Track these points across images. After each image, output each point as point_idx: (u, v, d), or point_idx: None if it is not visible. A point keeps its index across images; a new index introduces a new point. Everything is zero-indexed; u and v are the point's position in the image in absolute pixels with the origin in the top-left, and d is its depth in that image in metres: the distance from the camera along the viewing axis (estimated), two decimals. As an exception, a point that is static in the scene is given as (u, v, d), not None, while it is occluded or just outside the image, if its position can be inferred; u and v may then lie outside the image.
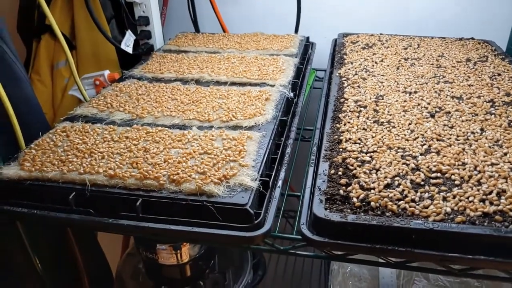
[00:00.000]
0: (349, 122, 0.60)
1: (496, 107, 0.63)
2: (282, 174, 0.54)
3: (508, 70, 0.76)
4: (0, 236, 0.63)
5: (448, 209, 0.43)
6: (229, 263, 0.82)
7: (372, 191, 0.46)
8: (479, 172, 0.48)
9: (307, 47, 0.97)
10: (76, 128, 0.59)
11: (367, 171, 0.49)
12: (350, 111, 0.63)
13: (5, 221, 0.61)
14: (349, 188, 0.47)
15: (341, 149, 0.54)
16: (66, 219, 0.47)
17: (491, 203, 0.44)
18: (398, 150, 0.53)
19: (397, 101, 0.65)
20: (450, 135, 0.56)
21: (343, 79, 0.75)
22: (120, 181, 0.48)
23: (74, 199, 0.47)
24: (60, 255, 0.74)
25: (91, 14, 0.83)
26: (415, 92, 0.68)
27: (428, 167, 0.49)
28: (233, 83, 0.74)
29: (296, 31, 1.04)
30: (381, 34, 0.99)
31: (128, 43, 0.90)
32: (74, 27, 0.96)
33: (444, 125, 0.58)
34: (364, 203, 0.45)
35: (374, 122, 0.60)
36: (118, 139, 0.56)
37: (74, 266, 0.76)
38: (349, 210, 0.44)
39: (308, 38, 0.99)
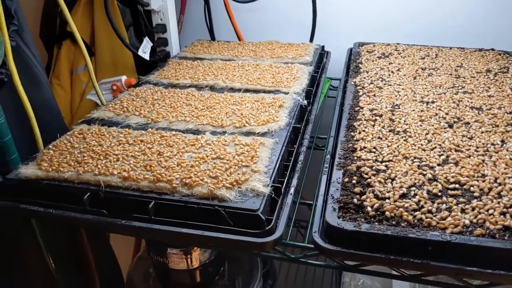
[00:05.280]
0: (364, 131, 0.59)
1: (517, 119, 0.61)
2: (294, 181, 0.53)
3: (530, 81, 0.74)
4: (15, 235, 0.64)
5: (467, 222, 0.42)
6: (239, 271, 0.81)
7: (387, 200, 0.45)
8: (500, 184, 0.47)
9: (322, 55, 0.97)
10: (93, 131, 0.60)
11: (382, 180, 0.48)
12: (365, 119, 0.62)
13: (20, 220, 0.62)
14: (363, 197, 0.46)
15: (355, 158, 0.53)
16: (80, 219, 0.47)
17: (512, 216, 0.42)
18: (415, 160, 0.52)
19: (413, 110, 0.64)
20: (469, 146, 0.54)
21: (358, 87, 0.74)
22: (134, 183, 0.48)
23: (88, 199, 0.47)
24: (74, 256, 0.75)
25: (110, 21, 0.85)
26: (433, 102, 0.67)
27: (445, 178, 0.48)
28: (247, 90, 0.74)
29: (311, 39, 1.04)
30: (397, 44, 0.98)
31: (145, 49, 0.91)
32: (93, 34, 0.98)
33: (463, 135, 0.57)
34: (378, 212, 0.44)
35: (390, 131, 0.59)
36: (133, 142, 0.57)
37: (87, 268, 0.76)
38: (363, 219, 0.43)
39: (323, 47, 0.99)
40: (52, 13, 1.00)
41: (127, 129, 0.60)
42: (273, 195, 0.48)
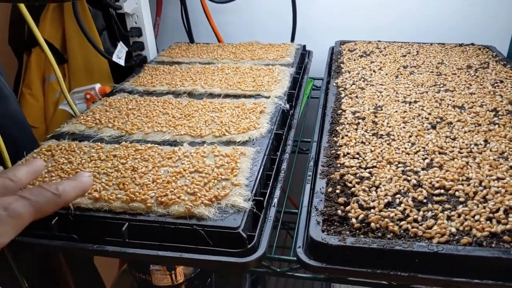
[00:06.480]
0: (347, 135, 0.57)
1: (500, 117, 0.60)
2: (277, 192, 0.51)
3: (510, 76, 0.74)
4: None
5: (453, 230, 0.40)
6: (226, 281, 0.79)
7: (372, 210, 0.43)
8: (485, 187, 0.46)
9: (304, 55, 0.95)
10: (62, 147, 0.56)
11: (367, 189, 0.47)
12: (347, 123, 0.60)
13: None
14: (348, 207, 0.44)
15: (338, 165, 0.51)
16: (48, 245, 0.44)
17: (499, 222, 0.41)
18: (399, 165, 0.50)
19: (396, 111, 0.63)
20: (453, 147, 0.53)
21: (341, 89, 0.72)
22: (106, 204, 0.45)
23: (56, 224, 0.44)
24: (51, 278, 0.71)
25: (80, 26, 0.81)
26: (415, 101, 0.66)
27: (430, 183, 0.47)
28: (227, 95, 0.71)
29: (292, 39, 1.02)
30: (379, 41, 0.97)
31: (120, 55, 0.88)
32: (65, 39, 0.94)
33: (446, 137, 0.56)
34: (363, 224, 0.42)
35: (373, 135, 0.57)
36: (105, 157, 0.54)
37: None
38: (348, 232, 0.42)
39: (304, 46, 0.97)
40: (20, 18, 0.95)
41: (99, 143, 0.57)
42: (255, 210, 0.46)
